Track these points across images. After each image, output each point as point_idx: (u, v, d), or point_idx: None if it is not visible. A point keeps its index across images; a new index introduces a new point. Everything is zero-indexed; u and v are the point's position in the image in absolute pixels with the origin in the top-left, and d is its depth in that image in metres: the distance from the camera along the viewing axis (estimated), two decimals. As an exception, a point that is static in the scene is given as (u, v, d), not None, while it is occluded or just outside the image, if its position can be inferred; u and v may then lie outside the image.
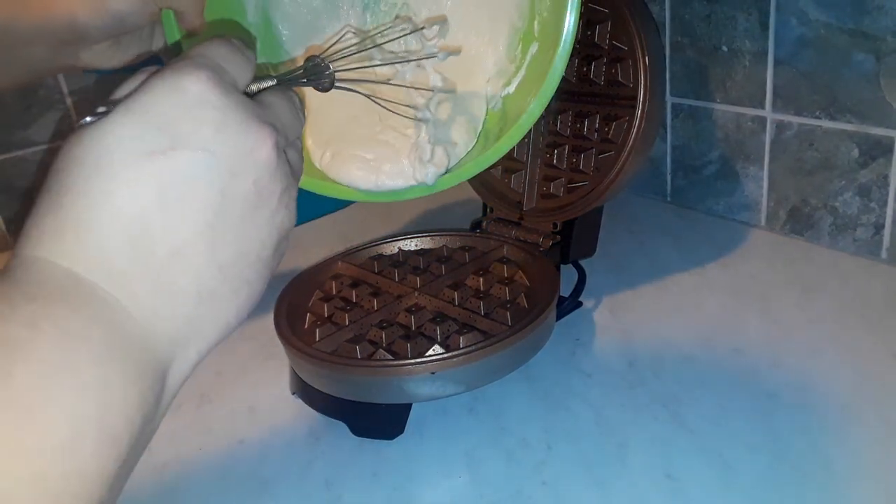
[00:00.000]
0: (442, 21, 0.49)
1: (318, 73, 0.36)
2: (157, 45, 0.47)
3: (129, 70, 0.47)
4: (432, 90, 0.48)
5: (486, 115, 0.49)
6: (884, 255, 0.63)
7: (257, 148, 0.28)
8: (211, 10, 0.45)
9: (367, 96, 0.42)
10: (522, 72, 0.48)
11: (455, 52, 0.48)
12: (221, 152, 0.26)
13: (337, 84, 0.37)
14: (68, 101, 0.88)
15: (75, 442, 0.22)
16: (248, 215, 0.28)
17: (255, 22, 0.50)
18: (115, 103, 0.26)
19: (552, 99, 0.43)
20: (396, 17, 0.50)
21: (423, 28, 0.48)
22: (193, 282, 0.26)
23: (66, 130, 0.88)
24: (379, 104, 0.43)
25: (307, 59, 0.37)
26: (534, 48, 0.47)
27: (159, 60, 0.48)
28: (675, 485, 0.42)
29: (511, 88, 0.48)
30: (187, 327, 0.26)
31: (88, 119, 0.27)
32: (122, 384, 0.24)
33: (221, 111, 0.27)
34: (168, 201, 0.25)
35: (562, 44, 0.42)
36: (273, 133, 0.28)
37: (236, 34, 0.33)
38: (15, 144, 0.86)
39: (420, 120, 0.47)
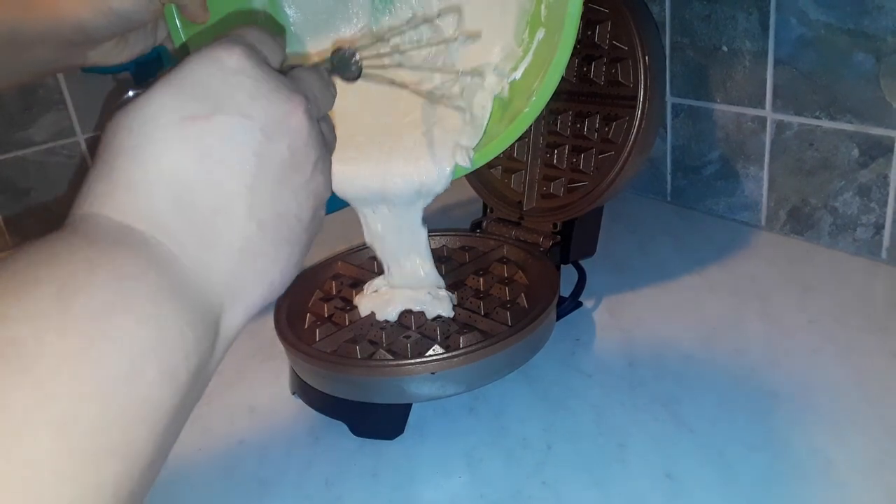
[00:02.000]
0: (456, 11, 0.50)
1: (344, 63, 0.38)
2: (160, 37, 0.47)
3: (132, 64, 0.47)
4: (458, 73, 0.49)
5: (493, 102, 0.49)
6: (884, 255, 0.63)
7: (290, 114, 0.29)
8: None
9: (399, 85, 0.43)
10: (529, 57, 0.48)
11: (474, 35, 0.48)
12: (257, 117, 0.28)
13: (365, 74, 0.39)
14: (68, 101, 0.88)
15: (135, 370, 0.23)
16: (284, 178, 0.29)
17: (261, 6, 0.50)
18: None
19: (553, 94, 0.44)
20: (412, 16, 0.51)
21: (438, 16, 0.49)
22: (236, 237, 0.28)
23: (66, 131, 0.89)
24: (416, 93, 0.43)
25: (334, 51, 0.38)
26: (540, 34, 0.47)
27: (161, 54, 0.48)
28: (675, 484, 0.42)
29: (518, 74, 0.48)
30: (233, 279, 0.28)
31: (131, 93, 0.28)
32: (177, 322, 0.25)
33: (255, 80, 0.29)
34: (209, 162, 0.27)
35: (565, 30, 0.42)
36: (304, 101, 0.30)
37: (265, 25, 0.35)
38: (15, 144, 0.86)
39: (457, 108, 0.48)
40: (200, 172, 0.27)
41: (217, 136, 0.27)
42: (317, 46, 0.53)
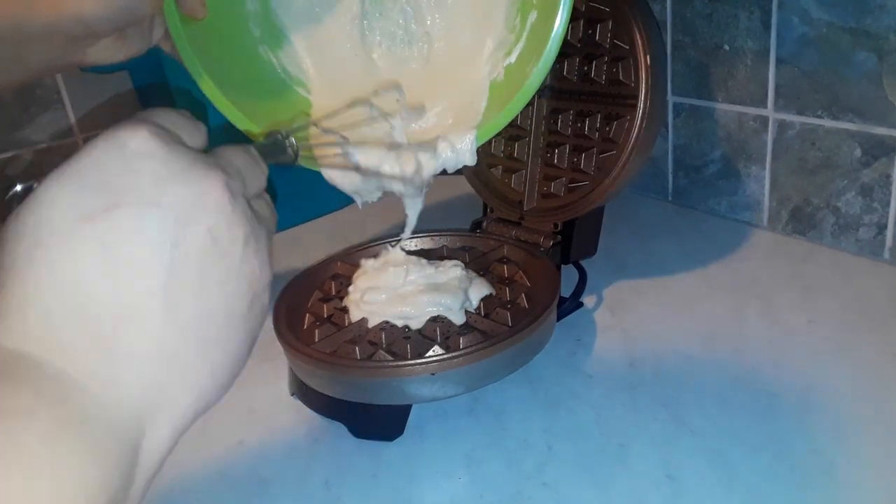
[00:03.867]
0: (419, 108, 0.50)
1: (278, 147, 0.36)
2: (157, 37, 0.47)
3: (126, 65, 0.47)
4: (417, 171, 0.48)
5: (488, 89, 0.49)
6: (886, 255, 0.63)
7: (206, 192, 0.26)
8: None
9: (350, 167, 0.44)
10: (523, 41, 0.48)
11: (427, 144, 0.47)
12: (167, 203, 0.25)
13: (301, 159, 0.37)
14: (66, 101, 0.88)
15: None
16: (208, 267, 0.26)
17: (254, 10, 0.50)
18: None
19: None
20: (353, 101, 0.49)
21: (397, 116, 0.48)
22: (153, 344, 0.25)
23: (64, 131, 0.88)
24: (369, 172, 0.44)
25: (267, 135, 0.36)
26: (533, 16, 0.47)
27: (149, 66, 0.48)
28: (676, 485, 0.41)
29: (512, 58, 0.48)
30: (153, 395, 0.25)
31: (19, 187, 0.26)
32: (77, 462, 0.22)
33: (163, 161, 0.25)
34: (114, 263, 0.24)
35: (561, 6, 0.42)
36: (222, 176, 0.27)
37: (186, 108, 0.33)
38: (13, 144, 0.86)
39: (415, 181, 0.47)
40: (104, 277, 0.24)
41: (121, 231, 0.24)
42: (309, 47, 0.52)
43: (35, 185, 0.25)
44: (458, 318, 0.52)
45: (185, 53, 0.45)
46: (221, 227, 0.26)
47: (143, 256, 0.24)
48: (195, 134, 0.29)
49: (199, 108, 0.35)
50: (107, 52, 0.44)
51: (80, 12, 0.41)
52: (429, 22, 0.52)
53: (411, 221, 0.49)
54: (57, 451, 0.22)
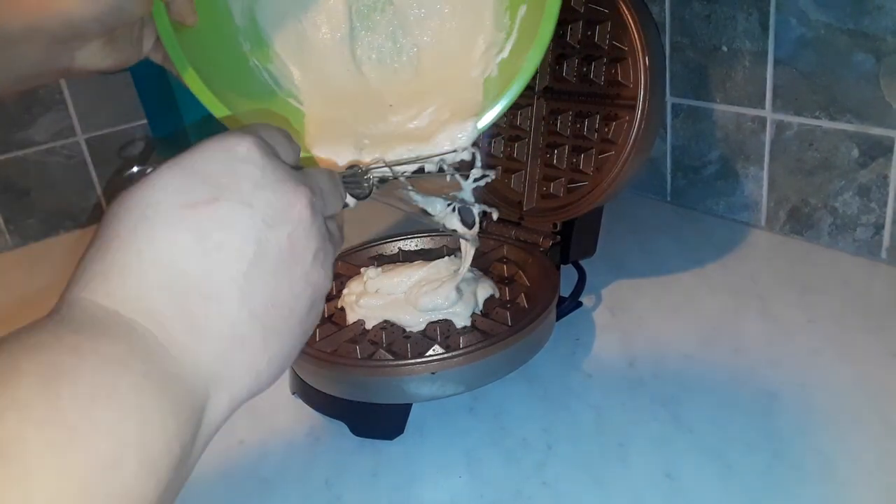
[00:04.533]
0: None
1: (356, 180, 0.39)
2: (147, 47, 0.46)
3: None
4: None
5: (483, 85, 0.49)
6: (883, 255, 0.63)
7: (293, 204, 0.29)
8: (199, 8, 0.45)
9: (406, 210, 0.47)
10: (514, 35, 0.48)
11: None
12: (259, 205, 0.28)
13: (374, 196, 0.40)
14: (68, 101, 0.88)
15: (118, 462, 0.23)
16: (281, 268, 0.29)
17: (242, 25, 0.50)
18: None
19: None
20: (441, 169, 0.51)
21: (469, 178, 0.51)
22: (226, 325, 0.27)
23: (66, 131, 0.89)
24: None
25: (348, 167, 0.40)
26: (522, 10, 0.48)
27: (149, 64, 0.48)
28: (675, 484, 0.42)
29: (505, 54, 0.49)
30: (220, 367, 0.27)
31: (136, 169, 0.29)
32: (161, 412, 0.25)
33: (262, 170, 0.29)
34: (206, 249, 0.27)
35: None
36: (309, 193, 0.30)
37: (283, 127, 0.35)
38: (15, 144, 0.86)
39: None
40: (196, 258, 0.27)
41: (217, 221, 0.27)
42: (298, 63, 0.52)
43: (149, 170, 0.29)
44: (463, 322, 0.52)
45: (175, 53, 0.44)
46: (300, 236, 0.30)
47: (232, 246, 0.28)
48: (290, 152, 0.33)
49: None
50: (96, 57, 0.43)
51: (66, 11, 0.40)
52: (416, 33, 0.52)
53: (467, 261, 0.53)
54: (146, 399, 0.24)
